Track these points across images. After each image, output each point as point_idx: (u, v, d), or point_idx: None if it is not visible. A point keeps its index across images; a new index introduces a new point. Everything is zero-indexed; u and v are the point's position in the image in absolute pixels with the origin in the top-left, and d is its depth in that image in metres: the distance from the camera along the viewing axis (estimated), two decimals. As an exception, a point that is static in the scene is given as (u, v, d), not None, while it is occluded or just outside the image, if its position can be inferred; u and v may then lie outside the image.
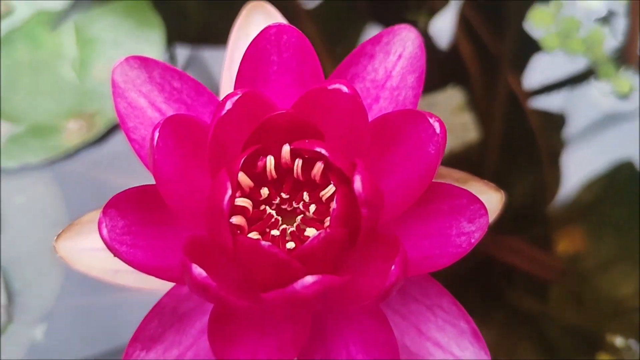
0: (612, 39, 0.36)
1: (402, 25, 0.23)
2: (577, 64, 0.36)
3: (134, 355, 0.21)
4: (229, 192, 0.18)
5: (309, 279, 0.18)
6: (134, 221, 0.20)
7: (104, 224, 0.19)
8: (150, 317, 0.22)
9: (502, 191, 0.23)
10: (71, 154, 0.33)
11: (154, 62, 0.23)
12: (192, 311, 0.23)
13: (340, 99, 0.20)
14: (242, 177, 0.20)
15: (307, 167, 0.21)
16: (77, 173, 0.33)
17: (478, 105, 0.39)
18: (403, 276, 0.18)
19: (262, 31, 0.21)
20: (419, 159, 0.21)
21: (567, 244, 0.38)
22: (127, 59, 0.22)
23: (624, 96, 0.35)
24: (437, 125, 0.19)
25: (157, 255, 0.21)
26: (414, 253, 0.21)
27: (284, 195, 0.21)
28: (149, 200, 0.21)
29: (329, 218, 0.20)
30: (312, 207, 0.21)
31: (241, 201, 0.20)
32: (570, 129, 0.38)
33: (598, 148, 0.38)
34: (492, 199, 0.23)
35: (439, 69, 0.39)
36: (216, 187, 0.19)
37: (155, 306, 0.22)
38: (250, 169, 0.21)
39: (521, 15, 0.37)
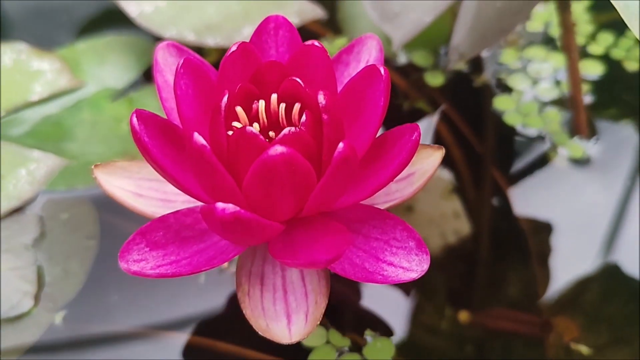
0: (565, 114, 0.44)
1: (367, 35, 0.31)
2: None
3: (140, 245, 0.26)
4: (227, 95, 0.25)
5: (278, 147, 0.23)
6: (157, 145, 0.27)
7: (135, 121, 0.25)
8: (157, 225, 0.27)
9: (442, 148, 0.29)
10: (111, 182, 0.41)
11: (187, 53, 0.31)
12: (192, 238, 0.28)
13: (313, 51, 0.27)
14: (240, 111, 0.27)
15: (291, 112, 0.28)
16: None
17: (466, 193, 0.44)
18: (351, 154, 0.24)
19: (263, 23, 0.29)
20: (376, 107, 0.27)
21: (561, 334, 0.41)
22: (168, 45, 0.30)
23: (579, 160, 0.42)
24: (382, 70, 0.27)
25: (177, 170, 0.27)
26: (365, 189, 0.27)
27: (271, 134, 0.28)
28: (172, 137, 0.28)
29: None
30: (291, 139, 0.27)
31: (237, 124, 0.27)
32: (556, 228, 0.42)
33: (583, 248, 0.42)
34: (436, 156, 0.29)
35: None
36: (217, 101, 0.26)
37: (162, 218, 0.28)
38: (247, 112, 0.28)
39: (493, 108, 0.45)
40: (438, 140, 0.45)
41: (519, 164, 0.44)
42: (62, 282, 0.37)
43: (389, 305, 0.38)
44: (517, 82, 0.46)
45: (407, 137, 0.26)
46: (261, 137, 0.24)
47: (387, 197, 0.30)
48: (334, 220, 0.28)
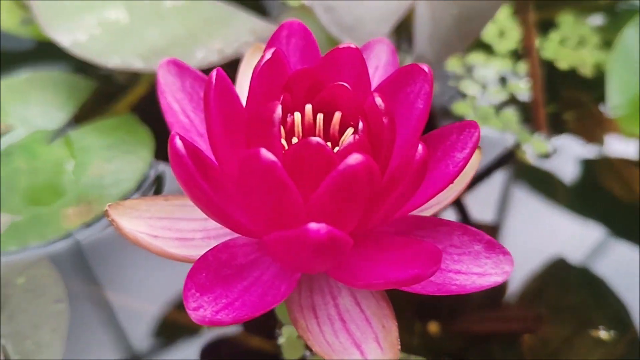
0: (521, 112, 0.45)
1: (376, 40, 0.30)
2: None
3: (192, 291, 0.23)
4: (280, 106, 0.22)
5: (357, 156, 0.21)
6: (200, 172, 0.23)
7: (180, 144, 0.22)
8: (199, 267, 0.24)
9: (480, 147, 0.28)
10: (69, 235, 0.35)
11: (188, 71, 0.27)
12: (232, 276, 0.25)
13: (347, 54, 0.25)
14: (278, 125, 0.24)
15: (329, 124, 0.26)
16: (74, 252, 0.35)
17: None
18: (428, 156, 0.22)
19: (277, 31, 0.27)
20: (411, 111, 0.26)
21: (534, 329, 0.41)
22: (167, 63, 0.27)
23: (545, 155, 0.43)
24: (425, 68, 0.25)
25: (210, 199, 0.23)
26: (421, 198, 0.25)
27: (310, 150, 0.25)
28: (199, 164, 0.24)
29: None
30: (336, 152, 0.25)
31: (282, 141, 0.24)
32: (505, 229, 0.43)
33: (531, 246, 0.43)
34: (474, 157, 0.28)
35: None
36: (265, 111, 0.23)
37: (201, 258, 0.24)
38: (283, 126, 0.25)
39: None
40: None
41: (485, 166, 0.44)
42: (36, 358, 0.31)
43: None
44: (467, 87, 0.47)
45: (466, 134, 0.25)
46: (328, 147, 0.22)
47: (423, 206, 0.28)
48: (391, 235, 0.25)
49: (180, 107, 0.27)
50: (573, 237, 0.42)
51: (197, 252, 0.25)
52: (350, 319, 0.25)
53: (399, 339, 0.25)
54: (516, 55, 0.49)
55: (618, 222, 0.43)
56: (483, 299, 0.41)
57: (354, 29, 0.42)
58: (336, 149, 0.25)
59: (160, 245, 0.25)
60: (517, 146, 0.44)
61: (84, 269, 0.35)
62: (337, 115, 0.25)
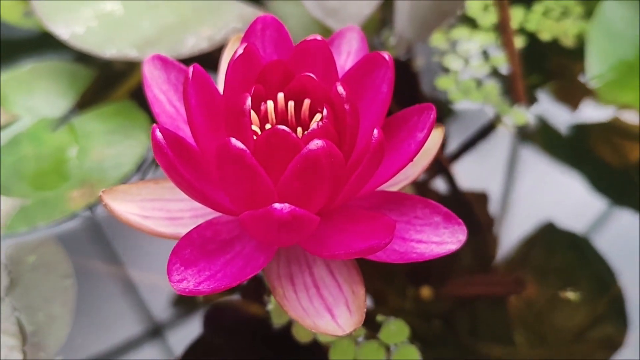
0: (502, 85, 0.47)
1: (347, 28, 0.32)
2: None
3: (176, 265, 0.25)
4: (250, 98, 0.25)
5: (318, 141, 0.23)
6: (180, 159, 0.26)
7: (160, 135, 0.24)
8: (184, 244, 0.26)
9: (442, 125, 0.31)
10: (75, 215, 0.38)
11: (172, 65, 0.30)
12: (216, 250, 0.27)
13: (314, 46, 0.27)
14: (253, 114, 0.27)
15: (299, 110, 0.28)
16: (80, 231, 0.38)
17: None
18: (384, 139, 0.25)
19: (252, 24, 0.29)
20: (377, 94, 0.28)
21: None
22: (153, 59, 0.29)
23: (525, 126, 0.45)
24: (386, 55, 0.27)
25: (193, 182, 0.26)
26: (387, 174, 0.28)
27: (282, 133, 0.28)
28: (183, 151, 0.27)
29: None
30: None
31: (254, 127, 0.26)
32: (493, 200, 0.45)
33: (522, 212, 0.45)
34: (437, 134, 0.31)
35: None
36: (238, 102, 0.25)
37: (186, 236, 0.26)
38: (257, 114, 0.27)
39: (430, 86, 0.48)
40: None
41: (466, 139, 0.46)
42: (48, 328, 0.34)
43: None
44: (450, 62, 0.48)
45: (425, 116, 0.27)
46: (293, 134, 0.24)
47: (392, 181, 0.30)
48: (359, 209, 0.28)
49: (166, 98, 0.29)
50: (561, 203, 0.44)
51: (186, 229, 0.28)
52: (324, 285, 0.28)
53: (366, 303, 0.27)
54: (499, 29, 0.51)
55: (604, 187, 0.45)
56: (472, 263, 0.43)
57: (337, 11, 0.44)
58: (306, 132, 0.27)
59: (150, 225, 0.28)
60: (497, 118, 0.46)
61: (88, 246, 0.38)
62: (307, 102, 0.27)
